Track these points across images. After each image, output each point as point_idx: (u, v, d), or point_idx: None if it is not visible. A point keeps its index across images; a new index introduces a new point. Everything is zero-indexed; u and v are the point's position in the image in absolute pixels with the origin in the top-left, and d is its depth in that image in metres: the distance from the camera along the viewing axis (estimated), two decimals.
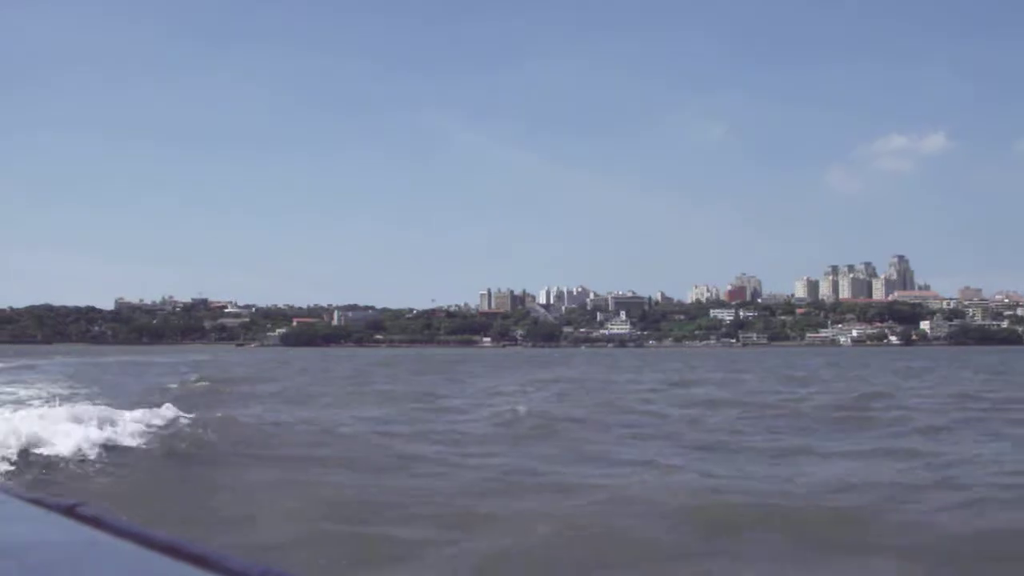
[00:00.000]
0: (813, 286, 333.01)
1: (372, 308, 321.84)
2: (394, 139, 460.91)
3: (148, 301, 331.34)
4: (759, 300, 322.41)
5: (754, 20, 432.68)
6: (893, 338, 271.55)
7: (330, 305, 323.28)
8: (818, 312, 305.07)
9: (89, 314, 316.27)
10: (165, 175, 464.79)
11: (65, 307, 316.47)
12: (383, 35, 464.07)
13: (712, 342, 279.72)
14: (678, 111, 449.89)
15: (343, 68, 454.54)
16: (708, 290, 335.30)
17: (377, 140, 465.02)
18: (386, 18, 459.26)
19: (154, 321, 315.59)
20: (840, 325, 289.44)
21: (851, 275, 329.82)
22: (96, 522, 1.97)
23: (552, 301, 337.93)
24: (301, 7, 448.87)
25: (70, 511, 2.07)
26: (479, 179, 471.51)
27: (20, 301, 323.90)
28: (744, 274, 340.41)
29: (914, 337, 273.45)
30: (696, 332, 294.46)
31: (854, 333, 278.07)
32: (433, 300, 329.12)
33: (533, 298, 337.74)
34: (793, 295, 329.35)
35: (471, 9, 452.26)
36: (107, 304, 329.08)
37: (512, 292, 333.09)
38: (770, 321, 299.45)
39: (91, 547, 1.84)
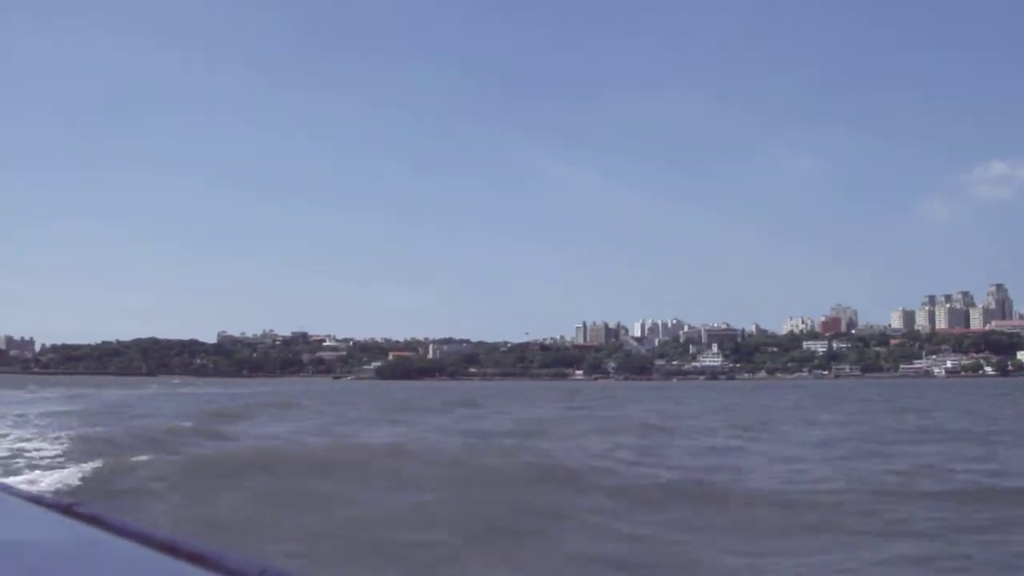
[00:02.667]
0: (909, 316, 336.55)
1: (467, 341, 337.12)
2: (489, 172, 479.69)
3: (249, 334, 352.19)
4: (853, 332, 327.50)
5: (845, 50, 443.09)
6: (988, 369, 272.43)
7: (426, 338, 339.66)
8: (913, 343, 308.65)
9: (192, 347, 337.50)
10: (265, 213, 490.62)
11: (169, 340, 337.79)
12: (475, 68, 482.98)
13: (804, 374, 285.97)
14: (771, 143, 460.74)
15: (428, 103, 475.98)
16: (803, 322, 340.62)
17: (472, 173, 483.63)
18: (478, 49, 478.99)
19: (254, 354, 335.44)
20: (934, 356, 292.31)
21: (948, 305, 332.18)
22: (94, 520, 2.05)
23: (646, 334, 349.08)
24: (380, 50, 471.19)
25: (68, 509, 2.15)
26: (573, 211, 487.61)
27: (127, 335, 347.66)
28: (840, 305, 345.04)
29: (1010, 367, 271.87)
30: (789, 364, 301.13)
31: (948, 364, 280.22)
32: (527, 333, 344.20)
33: (626, 331, 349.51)
34: (889, 326, 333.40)
35: (559, 40, 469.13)
36: (210, 337, 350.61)
37: (607, 325, 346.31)
38: (864, 352, 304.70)
39: (89, 545, 1.91)
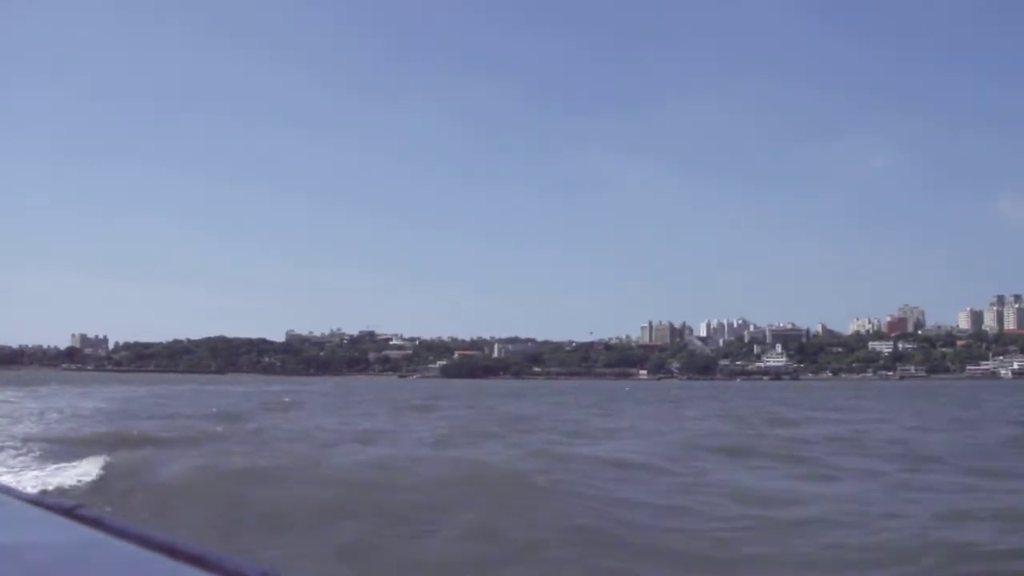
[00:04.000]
0: (977, 317, 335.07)
1: (532, 340, 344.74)
2: (552, 173, 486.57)
3: (318, 333, 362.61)
4: (920, 332, 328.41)
5: (924, 40, 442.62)
6: None
7: (492, 337, 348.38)
8: (980, 344, 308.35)
9: (260, 346, 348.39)
10: (335, 218, 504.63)
11: (238, 339, 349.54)
12: (538, 73, 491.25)
13: (869, 375, 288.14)
14: (840, 140, 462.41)
15: (498, 103, 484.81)
16: (869, 322, 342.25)
17: (535, 174, 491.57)
18: (536, 56, 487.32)
19: (321, 353, 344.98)
20: (1001, 357, 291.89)
21: (1016, 305, 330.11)
22: (96, 523, 2.08)
23: (711, 333, 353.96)
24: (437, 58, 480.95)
25: (70, 512, 2.18)
26: (638, 213, 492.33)
27: (197, 333, 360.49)
28: (907, 305, 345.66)
29: None
30: (854, 365, 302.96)
31: (1015, 365, 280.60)
32: (591, 333, 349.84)
33: (691, 330, 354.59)
34: (956, 326, 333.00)
35: (621, 47, 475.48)
36: (279, 336, 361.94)
37: (672, 324, 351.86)
38: (930, 353, 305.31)
39: (92, 548, 1.93)
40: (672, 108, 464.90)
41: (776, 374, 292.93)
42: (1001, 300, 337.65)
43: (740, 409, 67.81)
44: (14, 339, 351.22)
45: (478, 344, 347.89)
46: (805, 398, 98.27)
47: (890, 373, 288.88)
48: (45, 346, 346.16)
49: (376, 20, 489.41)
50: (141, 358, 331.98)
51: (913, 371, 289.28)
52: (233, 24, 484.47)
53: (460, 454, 27.72)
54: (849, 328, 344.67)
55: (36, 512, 2.26)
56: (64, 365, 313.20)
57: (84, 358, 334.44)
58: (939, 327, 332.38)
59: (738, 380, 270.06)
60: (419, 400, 77.69)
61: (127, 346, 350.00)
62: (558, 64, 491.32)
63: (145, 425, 39.57)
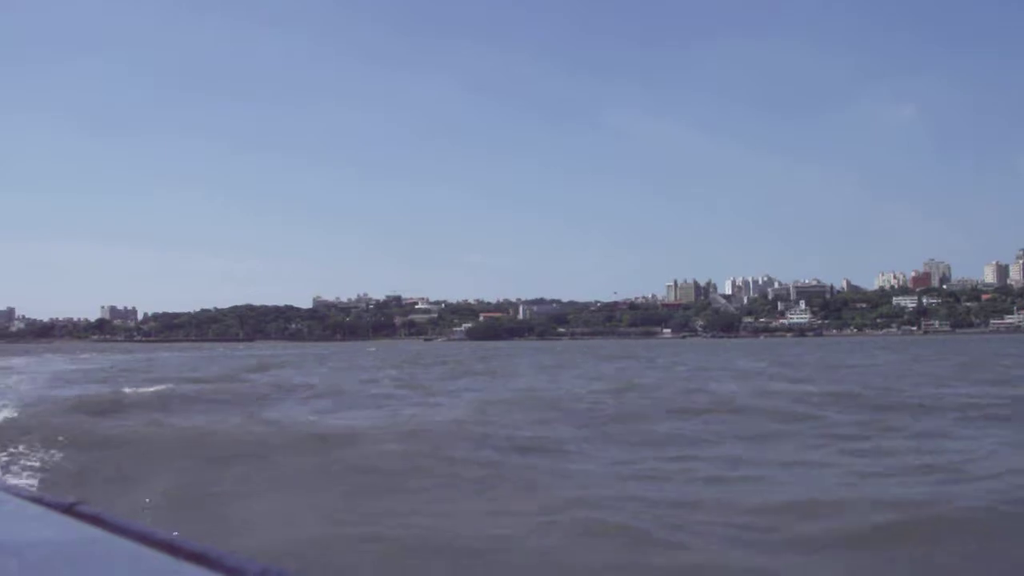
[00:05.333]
0: (1003, 271, 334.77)
1: (558, 302, 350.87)
2: (575, 136, 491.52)
3: (344, 299, 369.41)
4: (945, 287, 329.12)
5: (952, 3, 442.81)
6: None
7: (518, 299, 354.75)
8: (1005, 298, 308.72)
9: (287, 313, 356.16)
10: (361, 182, 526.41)
11: (265, 307, 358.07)
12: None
13: (893, 330, 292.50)
14: (867, 94, 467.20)
15: (522, 64, 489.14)
16: (895, 277, 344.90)
17: (559, 139, 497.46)
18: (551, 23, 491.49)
19: (347, 318, 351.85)
20: None
21: None
22: (96, 520, 2.08)
23: (736, 291, 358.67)
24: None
25: (70, 509, 2.19)
26: (663, 167, 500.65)
27: (225, 302, 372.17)
28: (932, 260, 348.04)
29: None
30: (878, 320, 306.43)
31: None
32: (615, 293, 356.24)
33: (715, 288, 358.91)
34: (982, 280, 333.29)
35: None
36: (306, 303, 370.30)
37: (696, 283, 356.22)
38: (954, 308, 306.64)
39: (91, 545, 1.94)
40: (707, 48, 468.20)
41: (800, 331, 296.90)
42: None
43: (653, 367, 65.01)
44: (45, 312, 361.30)
45: (503, 306, 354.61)
46: (773, 354, 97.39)
47: (914, 328, 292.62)
48: (75, 318, 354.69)
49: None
50: (170, 328, 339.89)
51: (937, 326, 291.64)
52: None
53: None
54: (875, 284, 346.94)
55: (35, 509, 2.30)
56: (94, 337, 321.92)
57: (113, 329, 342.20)
58: (964, 281, 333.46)
59: (761, 337, 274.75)
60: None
61: (156, 317, 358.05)
62: (575, 27, 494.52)
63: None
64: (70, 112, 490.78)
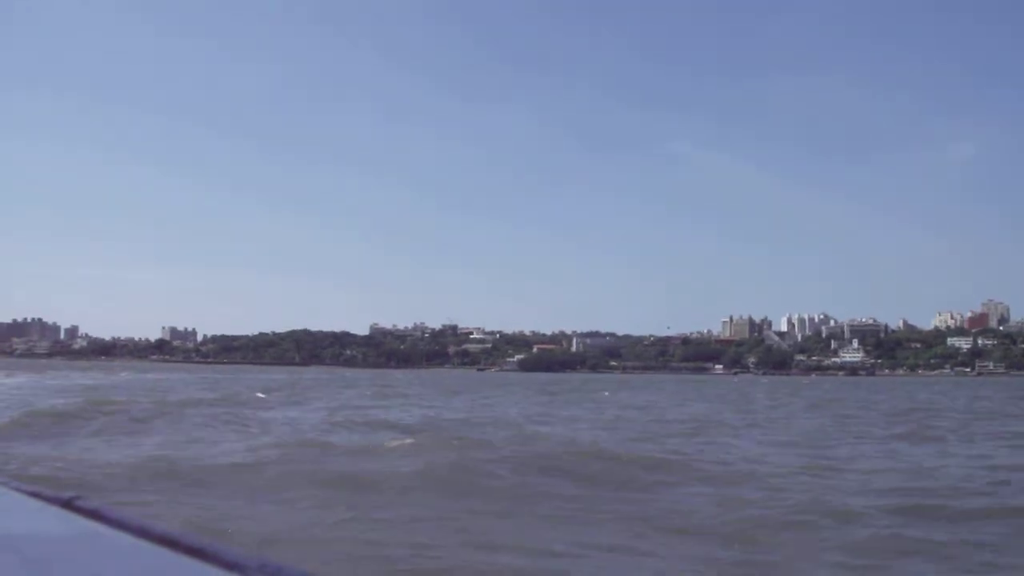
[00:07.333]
0: None
1: (612, 335, 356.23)
2: (633, 163, 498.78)
3: (401, 327, 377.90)
4: (1001, 328, 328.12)
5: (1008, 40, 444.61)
6: None
7: (573, 331, 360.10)
8: None
9: (343, 339, 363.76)
10: (419, 208, 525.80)
11: (322, 332, 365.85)
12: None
13: (946, 370, 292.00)
14: (925, 133, 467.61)
15: (583, 96, 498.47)
16: (952, 317, 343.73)
17: (617, 166, 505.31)
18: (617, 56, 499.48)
19: (402, 346, 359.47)
20: None
21: None
22: (95, 514, 2.12)
23: (791, 328, 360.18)
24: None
25: (69, 504, 2.23)
26: (721, 202, 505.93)
27: (281, 327, 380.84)
28: (991, 300, 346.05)
29: None
30: (931, 361, 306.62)
31: None
32: (668, 327, 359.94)
33: (770, 324, 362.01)
34: None
35: (717, 20, 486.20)
36: (362, 329, 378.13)
37: (751, 319, 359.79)
38: (1009, 350, 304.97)
39: (90, 539, 1.98)
40: (766, 87, 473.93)
41: (852, 369, 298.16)
42: None
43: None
44: (108, 332, 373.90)
45: (557, 338, 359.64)
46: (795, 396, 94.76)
47: (967, 369, 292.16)
48: (137, 338, 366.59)
49: (469, 21, 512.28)
50: (228, 350, 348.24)
51: (992, 367, 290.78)
52: (336, 13, 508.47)
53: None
54: (932, 323, 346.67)
55: (34, 504, 2.32)
56: (153, 356, 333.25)
57: (172, 350, 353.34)
58: (1021, 323, 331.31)
59: (813, 375, 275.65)
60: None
61: (214, 339, 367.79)
62: (643, 60, 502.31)
63: None
64: (133, 143, 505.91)
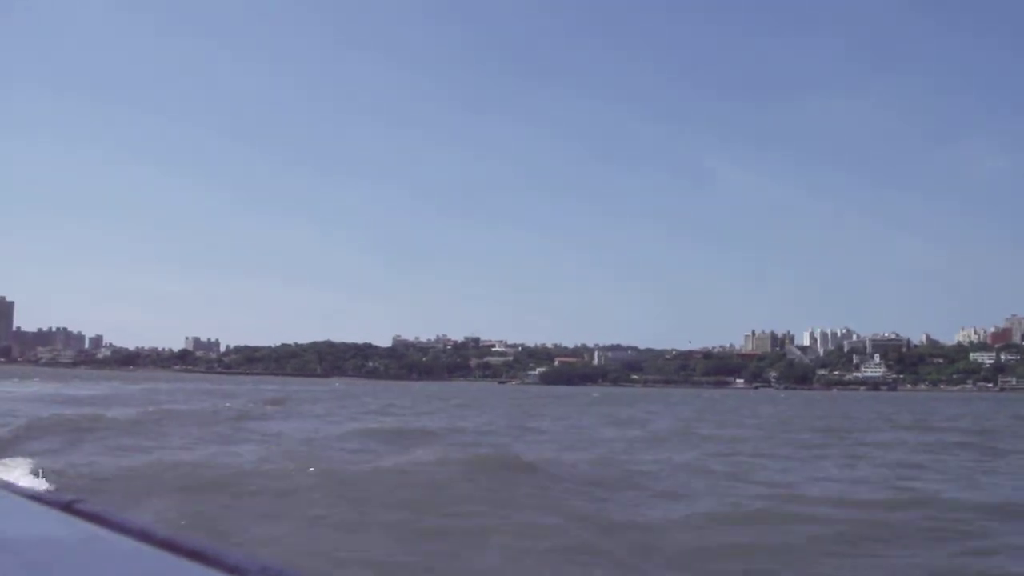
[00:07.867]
0: None
1: (634, 348, 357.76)
2: (667, 174, 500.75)
3: (423, 339, 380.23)
4: None
5: None
6: None
7: (595, 345, 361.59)
8: None
9: (366, 350, 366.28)
10: (443, 221, 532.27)
11: (344, 343, 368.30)
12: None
13: (968, 386, 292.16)
14: (953, 146, 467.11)
15: (607, 111, 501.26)
16: (975, 332, 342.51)
17: (644, 177, 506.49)
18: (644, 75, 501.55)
19: (424, 358, 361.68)
20: None
21: None
22: (95, 518, 2.13)
23: (813, 343, 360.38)
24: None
25: (69, 507, 2.23)
26: (747, 216, 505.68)
27: (304, 338, 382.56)
28: (1015, 316, 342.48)
29: None
30: (954, 376, 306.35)
31: None
32: (690, 341, 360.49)
33: (792, 339, 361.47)
34: None
35: (748, 39, 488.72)
36: (385, 342, 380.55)
37: (773, 333, 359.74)
38: None
39: (90, 543, 1.98)
40: (792, 105, 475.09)
41: (874, 384, 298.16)
42: None
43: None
44: (131, 342, 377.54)
45: (579, 352, 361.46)
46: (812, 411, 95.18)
47: (990, 385, 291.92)
48: (160, 348, 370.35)
49: (492, 35, 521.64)
50: (250, 361, 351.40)
51: (1015, 383, 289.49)
52: (360, 27, 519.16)
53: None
54: (955, 339, 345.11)
55: (34, 507, 2.33)
56: (176, 367, 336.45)
57: (195, 360, 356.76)
58: None
59: (834, 390, 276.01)
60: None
61: (237, 349, 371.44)
62: (660, 74, 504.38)
63: None
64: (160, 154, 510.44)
